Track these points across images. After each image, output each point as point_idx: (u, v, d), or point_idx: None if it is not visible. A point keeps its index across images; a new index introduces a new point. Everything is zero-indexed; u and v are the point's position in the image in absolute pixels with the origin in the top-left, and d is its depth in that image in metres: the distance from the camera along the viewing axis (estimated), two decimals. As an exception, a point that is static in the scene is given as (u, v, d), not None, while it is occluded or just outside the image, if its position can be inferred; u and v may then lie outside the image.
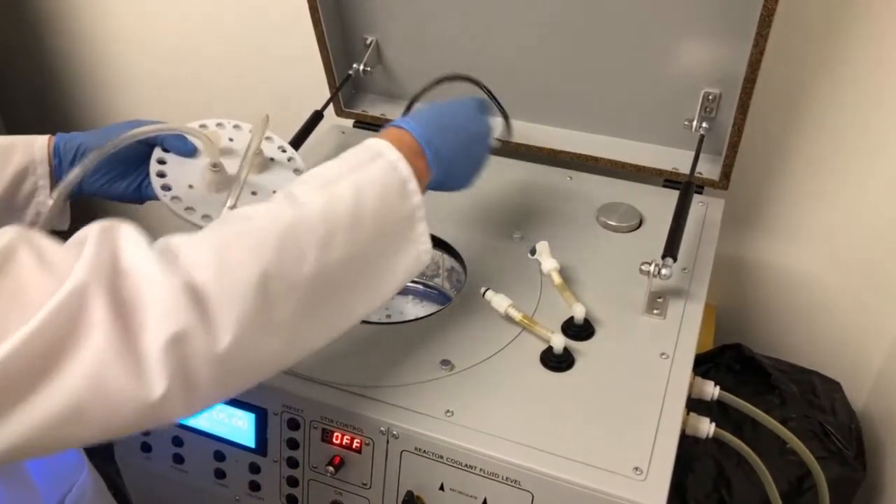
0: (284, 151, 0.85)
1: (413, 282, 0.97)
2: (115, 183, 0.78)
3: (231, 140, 0.83)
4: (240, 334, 0.49)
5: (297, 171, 0.83)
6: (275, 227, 0.53)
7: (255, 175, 0.80)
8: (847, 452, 0.97)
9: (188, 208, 0.74)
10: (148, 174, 0.77)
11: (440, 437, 0.66)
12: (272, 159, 0.83)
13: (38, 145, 0.75)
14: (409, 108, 0.94)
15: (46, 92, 1.62)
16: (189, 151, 0.79)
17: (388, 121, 1.11)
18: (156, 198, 0.76)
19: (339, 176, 0.59)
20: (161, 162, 0.78)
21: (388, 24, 1.05)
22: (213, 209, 0.75)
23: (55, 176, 0.75)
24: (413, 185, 0.61)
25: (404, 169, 0.61)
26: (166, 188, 0.76)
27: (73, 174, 0.66)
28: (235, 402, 0.73)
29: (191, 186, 0.77)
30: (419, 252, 0.63)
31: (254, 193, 0.79)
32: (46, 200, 0.74)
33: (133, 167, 0.78)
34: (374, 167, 0.60)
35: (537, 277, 0.83)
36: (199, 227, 0.75)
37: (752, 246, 1.16)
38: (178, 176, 0.77)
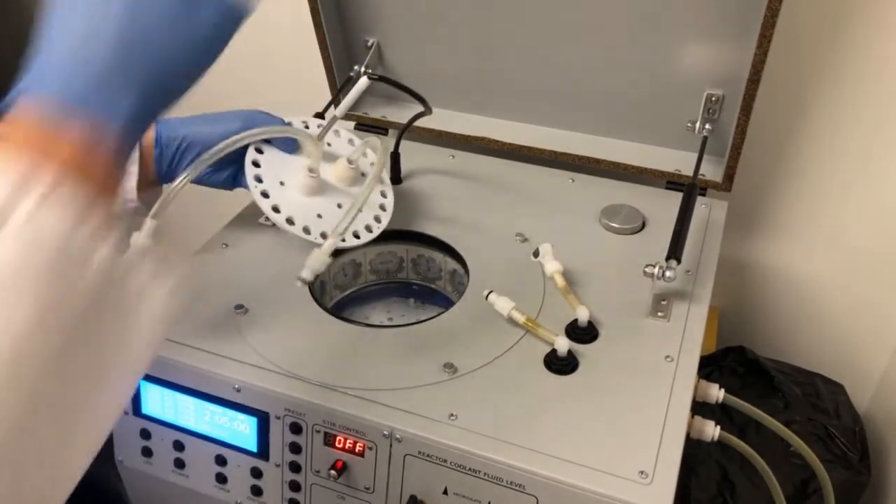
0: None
1: (415, 284, 0.96)
2: (215, 175, 0.79)
3: (329, 145, 0.85)
4: None
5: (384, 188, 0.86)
6: None
7: (345, 187, 0.82)
8: (851, 455, 0.96)
9: (274, 207, 0.76)
10: (244, 164, 0.78)
11: (443, 440, 0.65)
12: (363, 174, 0.85)
13: None
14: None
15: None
16: (289, 149, 0.79)
17: (389, 123, 1.11)
18: (248, 188, 0.78)
19: None
20: (259, 151, 0.79)
21: (390, 25, 1.05)
22: (298, 213, 0.77)
23: (157, 167, 0.74)
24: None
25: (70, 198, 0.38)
26: (258, 180, 0.77)
27: (178, 185, 0.59)
28: (237, 406, 0.73)
29: (281, 183, 0.78)
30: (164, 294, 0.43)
31: (339, 206, 0.81)
32: (132, 189, 0.72)
33: (233, 159, 0.78)
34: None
35: (540, 280, 0.83)
36: (279, 229, 0.77)
37: (755, 248, 1.15)
38: (271, 169, 0.79)
